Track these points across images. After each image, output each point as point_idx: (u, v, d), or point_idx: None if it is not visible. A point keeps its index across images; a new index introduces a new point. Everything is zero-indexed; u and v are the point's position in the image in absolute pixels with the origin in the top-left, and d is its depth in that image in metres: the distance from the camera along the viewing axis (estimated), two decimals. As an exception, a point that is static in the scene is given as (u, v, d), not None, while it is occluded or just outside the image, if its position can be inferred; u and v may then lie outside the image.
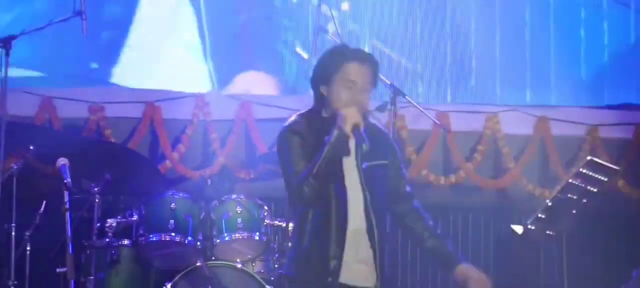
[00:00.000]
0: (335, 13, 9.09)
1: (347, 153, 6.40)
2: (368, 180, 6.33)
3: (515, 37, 10.75)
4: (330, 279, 6.23)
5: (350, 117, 6.08)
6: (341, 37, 8.62)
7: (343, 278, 6.19)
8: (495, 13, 10.73)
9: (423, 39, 10.26)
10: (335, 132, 6.12)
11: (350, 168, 6.31)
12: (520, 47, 10.74)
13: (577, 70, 10.85)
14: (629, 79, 10.83)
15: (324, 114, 6.26)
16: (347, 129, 6.05)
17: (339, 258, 6.21)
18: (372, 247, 6.28)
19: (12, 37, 7.87)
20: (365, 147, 6.22)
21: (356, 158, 6.35)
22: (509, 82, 10.69)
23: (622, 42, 10.98)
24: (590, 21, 10.81)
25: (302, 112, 6.40)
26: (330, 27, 8.65)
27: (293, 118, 6.39)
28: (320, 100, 6.31)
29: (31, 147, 8.09)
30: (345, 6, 10.19)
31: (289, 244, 8.03)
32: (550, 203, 8.27)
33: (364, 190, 6.29)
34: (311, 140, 6.19)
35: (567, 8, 10.73)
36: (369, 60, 6.31)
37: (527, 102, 10.49)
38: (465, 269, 6.34)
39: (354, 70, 6.25)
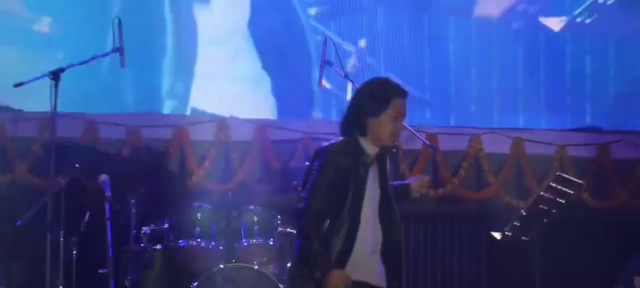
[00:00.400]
0: (353, 48, 9.21)
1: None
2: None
3: (510, 70, 10.69)
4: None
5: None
6: (357, 69, 8.81)
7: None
8: (492, 50, 10.71)
9: (431, 72, 10.32)
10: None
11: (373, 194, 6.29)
12: (514, 79, 10.72)
13: (562, 98, 10.79)
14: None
15: (361, 142, 6.21)
16: None
17: (388, 274, 6.26)
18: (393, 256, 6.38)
19: (61, 70, 7.94)
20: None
21: (379, 180, 6.31)
22: (504, 108, 10.70)
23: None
24: (574, 56, 10.81)
25: (343, 140, 6.28)
26: (335, 61, 8.45)
27: (338, 146, 6.28)
28: (362, 128, 6.26)
29: (77, 165, 8.21)
30: (362, 43, 10.16)
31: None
32: (524, 213, 8.38)
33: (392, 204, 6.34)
34: (348, 164, 6.16)
35: (554, 46, 10.75)
36: (407, 95, 6.32)
37: (520, 126, 10.37)
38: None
39: (400, 105, 6.26)
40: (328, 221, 6.18)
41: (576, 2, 10.68)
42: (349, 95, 9.83)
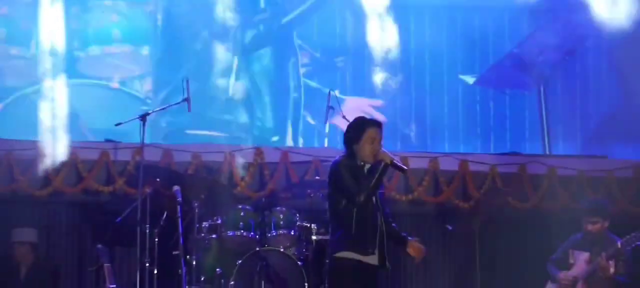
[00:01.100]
0: (340, 97, 9.05)
1: (386, 180, 6.36)
2: (379, 198, 6.36)
3: (453, 112, 10.78)
4: (370, 262, 6.25)
5: (387, 157, 6.19)
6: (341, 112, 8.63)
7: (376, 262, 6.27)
8: (443, 99, 10.79)
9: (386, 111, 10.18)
10: (382, 166, 6.15)
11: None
12: (456, 118, 10.81)
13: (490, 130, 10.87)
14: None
15: (357, 161, 6.26)
16: (388, 162, 6.16)
17: (373, 249, 6.23)
18: (383, 242, 6.31)
19: (147, 114, 8.21)
20: (404, 168, 6.43)
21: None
22: (453, 138, 10.76)
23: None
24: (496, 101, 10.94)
25: (343, 156, 6.35)
26: (336, 107, 8.75)
27: (342, 159, 6.32)
28: (352, 152, 6.30)
29: (157, 179, 8.32)
30: (336, 92, 9.45)
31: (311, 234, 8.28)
32: (469, 212, 8.77)
33: (380, 206, 6.35)
34: (352, 174, 6.23)
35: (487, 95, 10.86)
36: (380, 124, 6.39)
37: (466, 151, 10.27)
38: (411, 242, 6.46)
39: (374, 132, 6.30)
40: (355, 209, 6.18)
41: (484, 65, 10.77)
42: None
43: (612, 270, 7.64)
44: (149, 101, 10.00)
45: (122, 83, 10.12)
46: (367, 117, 6.67)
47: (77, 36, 9.93)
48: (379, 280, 6.35)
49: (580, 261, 7.87)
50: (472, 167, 9.60)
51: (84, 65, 9.97)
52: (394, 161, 6.27)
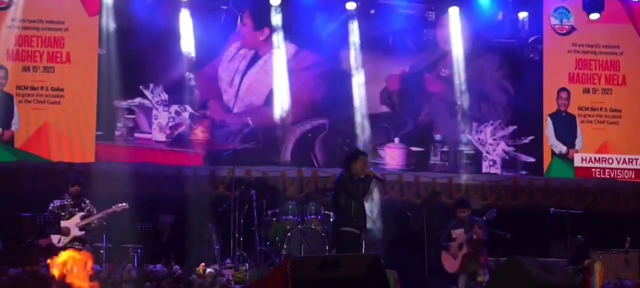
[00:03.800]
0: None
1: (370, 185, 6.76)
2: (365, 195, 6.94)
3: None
4: (360, 233, 6.88)
5: (372, 173, 6.80)
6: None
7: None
8: None
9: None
10: (371, 177, 6.60)
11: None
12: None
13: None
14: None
15: (353, 174, 6.77)
16: (372, 176, 6.73)
17: (363, 227, 6.85)
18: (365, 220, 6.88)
19: (237, 150, 9.10)
20: (382, 178, 6.94)
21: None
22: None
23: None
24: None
25: (343, 171, 6.77)
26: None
27: (344, 173, 6.75)
28: (349, 169, 6.81)
29: (242, 186, 8.70)
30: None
31: (332, 216, 8.03)
32: (420, 204, 9.41)
33: (364, 200, 6.94)
34: (352, 182, 6.77)
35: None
36: (366, 154, 7.04)
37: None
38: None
39: (364, 159, 6.88)
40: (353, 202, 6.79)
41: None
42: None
43: (482, 234, 7.91)
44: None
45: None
46: (360, 149, 7.44)
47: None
48: (361, 243, 6.92)
49: (460, 235, 8.02)
50: (422, 179, 9.88)
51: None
52: (376, 175, 6.87)
